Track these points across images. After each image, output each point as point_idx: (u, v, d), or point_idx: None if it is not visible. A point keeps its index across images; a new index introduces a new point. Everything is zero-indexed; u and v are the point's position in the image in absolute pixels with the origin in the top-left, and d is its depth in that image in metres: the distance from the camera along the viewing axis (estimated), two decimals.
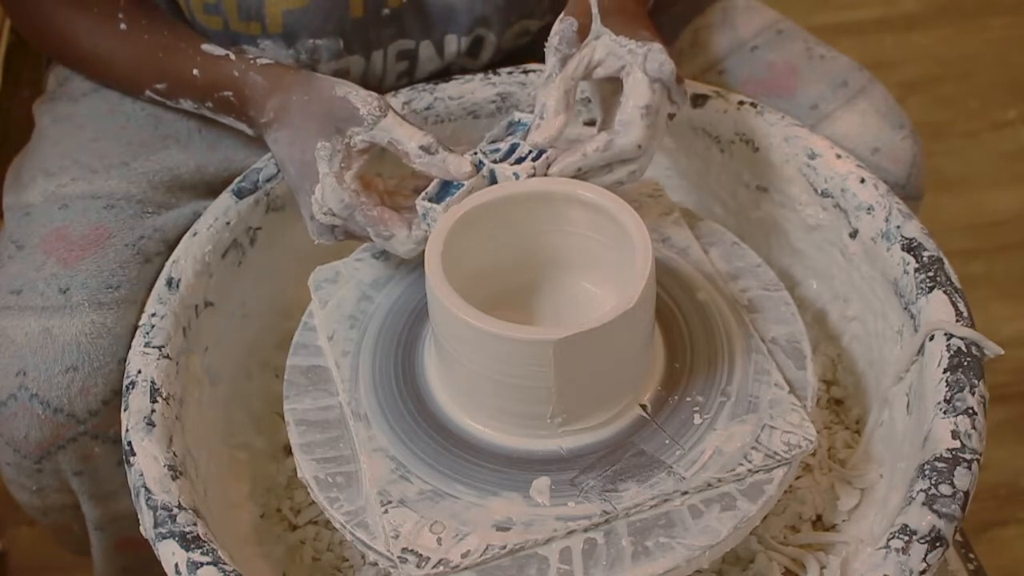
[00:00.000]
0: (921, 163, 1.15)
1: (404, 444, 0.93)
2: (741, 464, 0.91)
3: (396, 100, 1.13)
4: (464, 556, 0.86)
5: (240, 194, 1.07)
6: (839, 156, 1.07)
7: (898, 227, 1.02)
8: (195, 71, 1.06)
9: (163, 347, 0.98)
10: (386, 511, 0.89)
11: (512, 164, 0.98)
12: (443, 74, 1.17)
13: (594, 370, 0.90)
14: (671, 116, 0.99)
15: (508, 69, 1.15)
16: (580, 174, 0.97)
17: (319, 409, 0.97)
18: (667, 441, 0.92)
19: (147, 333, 0.98)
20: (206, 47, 1.07)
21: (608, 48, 0.98)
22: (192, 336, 1.01)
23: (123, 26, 1.08)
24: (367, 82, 1.16)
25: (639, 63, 0.96)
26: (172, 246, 1.06)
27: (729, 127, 1.11)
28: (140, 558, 1.13)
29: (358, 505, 0.91)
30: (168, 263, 1.03)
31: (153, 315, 0.99)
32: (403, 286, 1.03)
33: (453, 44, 1.14)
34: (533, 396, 0.90)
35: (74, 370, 1.01)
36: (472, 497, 0.90)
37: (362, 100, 0.99)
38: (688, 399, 0.95)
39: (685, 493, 0.90)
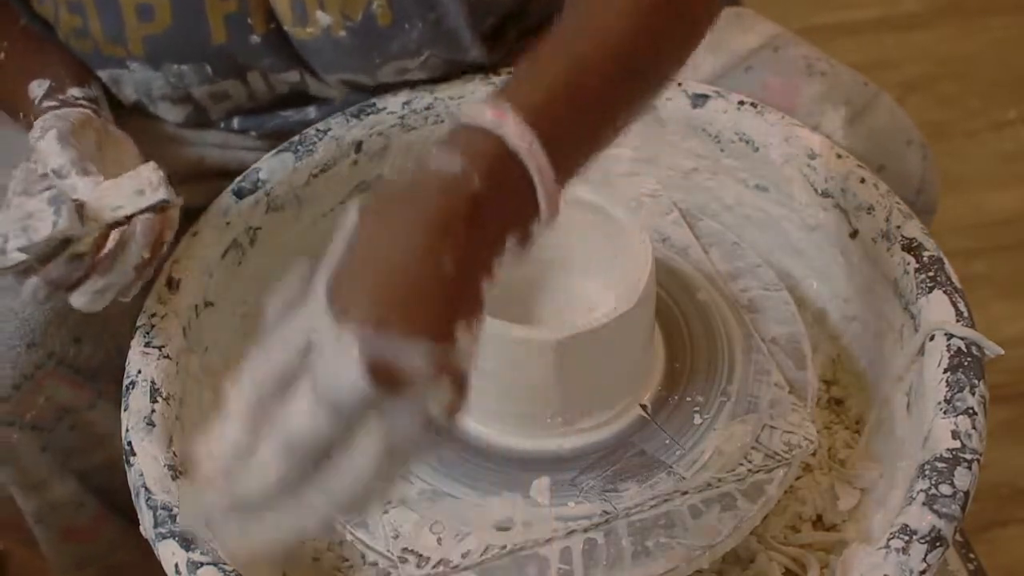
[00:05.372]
0: (932, 178, 1.12)
1: None
2: (741, 464, 0.91)
3: (396, 99, 1.13)
4: (464, 556, 0.86)
5: (240, 194, 1.07)
6: (839, 156, 1.07)
7: (898, 227, 1.01)
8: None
9: (163, 347, 0.98)
10: (386, 511, 0.89)
11: None
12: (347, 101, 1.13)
13: (594, 370, 0.90)
14: None
15: (508, 69, 1.15)
16: None
17: None
18: (667, 441, 0.92)
19: (147, 333, 0.98)
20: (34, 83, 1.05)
21: None
22: (192, 336, 1.01)
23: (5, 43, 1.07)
24: (256, 103, 1.13)
25: None
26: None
27: (729, 127, 1.11)
28: (91, 548, 1.12)
29: None
30: (168, 263, 1.03)
31: (153, 315, 0.99)
32: None
33: (332, 79, 1.11)
34: (533, 396, 0.90)
35: None
36: (472, 497, 0.90)
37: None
38: (688, 399, 0.95)
39: (685, 493, 0.90)
